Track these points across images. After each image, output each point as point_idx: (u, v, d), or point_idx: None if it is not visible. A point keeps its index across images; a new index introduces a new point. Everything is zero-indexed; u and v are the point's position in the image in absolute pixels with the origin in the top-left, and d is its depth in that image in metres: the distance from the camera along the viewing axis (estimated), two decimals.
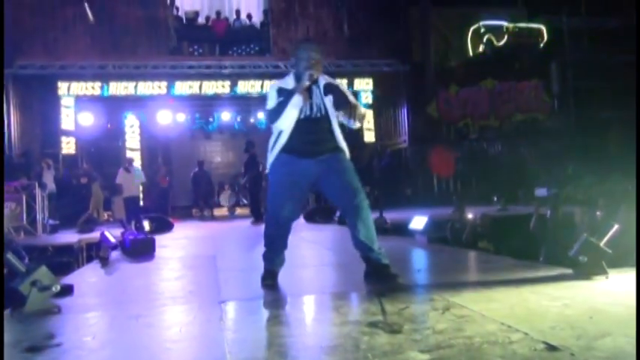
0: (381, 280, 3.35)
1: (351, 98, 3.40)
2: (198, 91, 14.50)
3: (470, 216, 8.30)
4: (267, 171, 3.62)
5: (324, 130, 3.42)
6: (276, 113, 3.34)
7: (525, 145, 15.19)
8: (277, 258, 3.58)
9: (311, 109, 3.38)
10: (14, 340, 2.49)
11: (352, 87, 15.39)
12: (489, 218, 7.92)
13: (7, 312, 3.02)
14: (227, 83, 14.44)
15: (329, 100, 3.40)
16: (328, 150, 3.41)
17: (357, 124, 3.42)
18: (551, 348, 2.05)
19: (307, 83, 3.29)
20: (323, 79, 3.47)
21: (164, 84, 14.26)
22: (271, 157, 3.47)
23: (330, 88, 3.41)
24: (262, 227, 3.66)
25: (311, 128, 3.38)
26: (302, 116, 3.36)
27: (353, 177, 3.42)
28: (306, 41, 3.65)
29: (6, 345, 2.37)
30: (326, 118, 3.42)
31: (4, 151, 12.58)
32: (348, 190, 3.35)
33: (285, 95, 3.33)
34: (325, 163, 3.39)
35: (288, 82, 3.44)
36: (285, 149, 3.39)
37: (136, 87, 14.11)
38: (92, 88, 13.98)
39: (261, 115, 13.95)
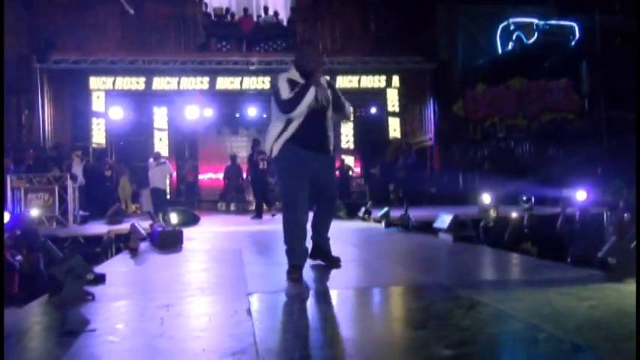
0: (325, 260, 3.93)
1: (343, 101, 3.87)
2: (224, 87, 14.71)
3: (513, 215, 7.94)
4: (271, 157, 3.77)
5: (323, 122, 3.72)
6: (293, 103, 3.55)
7: (554, 146, 14.93)
8: (299, 249, 3.66)
9: (317, 101, 3.63)
10: (52, 324, 2.60)
11: (378, 84, 15.41)
12: (536, 218, 7.51)
13: (44, 297, 3.15)
14: (253, 79, 14.58)
15: (330, 94, 3.76)
16: (323, 147, 3.72)
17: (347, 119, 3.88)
18: (577, 348, 2.04)
19: (320, 77, 3.61)
20: (323, 78, 3.82)
21: (192, 79, 14.49)
22: (277, 146, 3.66)
23: (330, 86, 3.80)
24: (277, 221, 3.77)
25: (314, 120, 3.64)
26: (311, 106, 3.61)
27: (334, 178, 4.09)
28: (310, 42, 3.94)
29: (45, 328, 2.48)
30: (327, 111, 3.74)
31: (39, 144, 12.98)
32: (329, 189, 3.83)
33: (299, 86, 3.57)
34: (319, 162, 3.69)
35: (293, 74, 3.70)
36: (292, 140, 3.62)
37: (164, 82, 14.38)
38: (122, 83, 14.31)
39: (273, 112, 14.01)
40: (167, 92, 14.67)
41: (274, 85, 3.70)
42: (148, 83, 14.38)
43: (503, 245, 6.84)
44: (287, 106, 3.57)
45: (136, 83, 14.38)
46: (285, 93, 3.59)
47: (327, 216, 3.94)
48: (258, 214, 10.83)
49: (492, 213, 8.27)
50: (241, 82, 14.70)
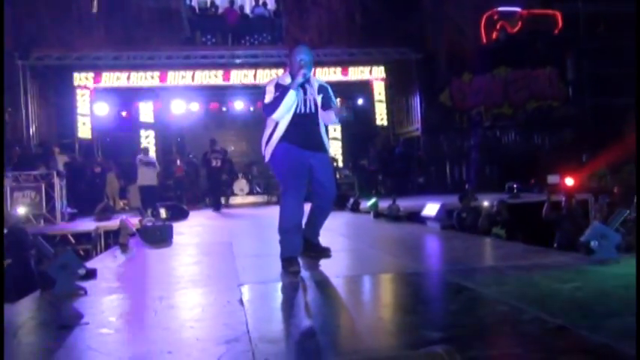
0: (315, 252, 3.88)
1: (334, 102, 3.89)
2: (211, 81, 14.63)
3: (485, 203, 8.29)
4: (266, 160, 3.82)
5: (314, 125, 3.77)
6: (272, 107, 3.64)
7: (539, 133, 15.11)
8: (296, 240, 3.63)
9: (305, 105, 3.72)
10: (47, 319, 2.62)
11: (365, 75, 15.44)
12: (505, 205, 7.90)
13: (37, 293, 3.16)
14: (240, 72, 14.52)
15: (320, 99, 3.80)
16: (318, 146, 3.77)
17: (337, 120, 3.79)
18: (561, 328, 2.11)
19: (300, 80, 3.64)
20: (316, 81, 3.89)
21: (178, 74, 14.40)
22: (270, 147, 3.72)
23: (322, 90, 3.83)
24: (272, 214, 3.75)
25: (304, 122, 3.71)
26: (297, 111, 3.69)
27: (332, 176, 4.00)
28: (299, 45, 3.91)
29: (39, 323, 2.50)
30: (316, 114, 3.78)
31: (24, 141, 12.84)
32: (327, 187, 3.79)
33: (281, 91, 3.65)
34: (316, 159, 3.72)
35: (285, 80, 3.77)
36: (284, 140, 3.68)
37: (149, 77, 14.29)
38: (107, 78, 14.18)
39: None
40: (152, 87, 14.56)
41: (263, 90, 3.81)
42: (133, 78, 14.26)
43: (477, 231, 7.27)
44: (266, 110, 3.68)
45: (121, 79, 14.25)
46: (269, 97, 3.69)
47: (324, 214, 3.89)
48: (216, 208, 11.54)
49: (466, 202, 8.48)
50: (227, 76, 14.63)
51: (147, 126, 15.25)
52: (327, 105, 3.79)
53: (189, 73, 14.43)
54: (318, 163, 3.73)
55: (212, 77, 14.61)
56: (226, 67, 14.46)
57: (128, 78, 14.23)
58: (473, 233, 6.66)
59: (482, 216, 7.94)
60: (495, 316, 2.37)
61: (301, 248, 3.70)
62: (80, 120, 14.23)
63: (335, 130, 15.78)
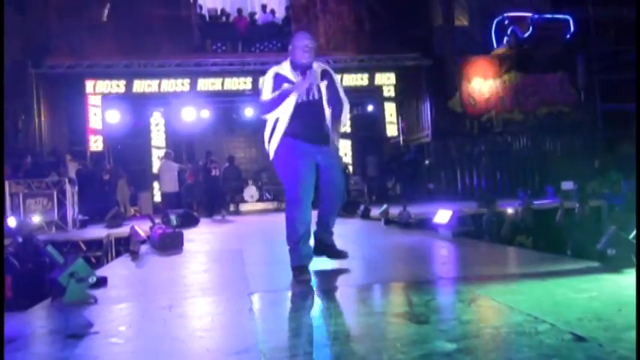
0: (330, 254, 3.79)
1: (343, 97, 3.63)
2: (221, 88, 14.71)
3: (510, 210, 8.12)
4: (270, 158, 3.60)
5: (319, 114, 3.52)
6: (269, 107, 3.44)
7: (551, 139, 14.97)
8: (305, 249, 3.53)
9: (307, 93, 3.47)
10: (57, 327, 2.61)
11: (374, 82, 15.42)
12: (531, 212, 7.70)
13: (47, 301, 3.16)
14: (249, 80, 14.58)
15: (324, 85, 3.53)
16: (324, 138, 3.52)
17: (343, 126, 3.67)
18: (579, 339, 2.05)
19: (306, 85, 3.40)
20: (319, 66, 3.60)
21: (188, 81, 14.49)
22: (274, 143, 3.50)
23: (326, 76, 3.56)
24: (282, 221, 3.65)
25: (307, 112, 3.47)
26: (299, 101, 3.45)
27: (340, 173, 3.77)
28: (301, 30, 3.72)
29: (49, 332, 2.49)
30: (320, 101, 3.52)
31: (36, 149, 12.96)
32: (335, 184, 3.63)
33: (281, 91, 3.42)
34: (322, 154, 3.52)
35: (284, 68, 3.56)
36: (288, 133, 3.46)
37: (160, 85, 14.39)
38: (118, 86, 14.31)
39: None
40: (163, 94, 14.67)
41: (260, 82, 3.59)
42: (144, 86, 14.38)
43: (499, 239, 7.05)
44: (263, 108, 3.47)
45: (132, 86, 14.37)
46: (267, 93, 3.47)
47: (333, 211, 3.72)
48: (209, 214, 11.82)
49: (492, 208, 8.33)
50: (238, 83, 14.69)
51: (157, 133, 15.36)
52: (333, 98, 3.55)
53: (199, 80, 14.52)
54: (324, 159, 3.53)
55: (222, 84, 14.68)
56: (236, 74, 14.53)
57: (139, 85, 14.35)
58: (496, 240, 6.48)
59: (505, 223, 7.73)
60: (511, 326, 2.31)
61: (312, 255, 3.60)
62: (92, 130, 14.32)
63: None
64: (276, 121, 3.49)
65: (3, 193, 9.44)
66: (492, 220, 7.95)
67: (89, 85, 14.28)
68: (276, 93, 3.42)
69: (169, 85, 14.47)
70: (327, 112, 3.57)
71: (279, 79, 3.49)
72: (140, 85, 14.35)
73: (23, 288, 5.38)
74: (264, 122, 3.65)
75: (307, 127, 3.47)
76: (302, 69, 3.52)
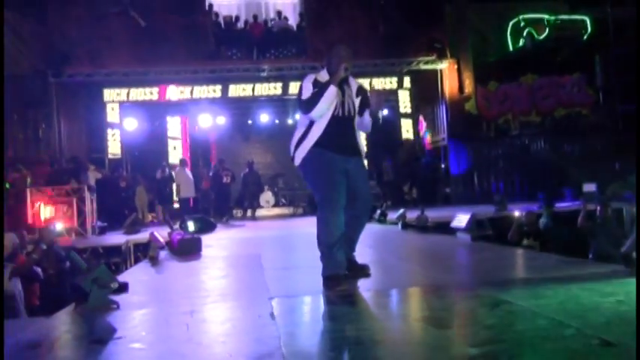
0: (352, 270, 3.60)
1: (368, 119, 3.69)
2: (236, 94, 14.82)
3: (516, 214, 8.09)
4: (295, 164, 3.56)
5: (351, 128, 3.56)
6: (311, 103, 3.41)
7: (569, 141, 14.77)
8: (340, 256, 3.40)
9: (343, 107, 3.50)
10: (80, 333, 2.64)
11: (390, 85, 15.40)
12: (534, 216, 7.69)
13: (71, 307, 3.20)
14: (265, 86, 14.67)
15: (358, 102, 3.59)
16: (354, 150, 3.56)
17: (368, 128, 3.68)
18: (607, 344, 2.01)
19: (342, 75, 3.42)
20: (355, 82, 3.65)
21: (204, 88, 14.63)
22: (302, 151, 3.48)
23: (361, 92, 3.62)
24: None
25: (342, 127, 3.49)
26: (336, 113, 3.46)
27: (368, 185, 3.76)
28: (340, 43, 3.73)
29: (73, 337, 2.51)
30: (354, 118, 3.58)
31: (56, 156, 13.18)
32: (363, 196, 3.57)
33: (320, 86, 3.44)
34: (351, 164, 3.50)
35: (323, 76, 3.56)
36: (319, 144, 3.44)
37: (177, 92, 14.55)
38: (135, 93, 14.50)
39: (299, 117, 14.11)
40: (180, 101, 14.83)
41: (300, 87, 3.58)
42: (161, 93, 14.56)
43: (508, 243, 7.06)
44: (305, 106, 3.45)
45: (149, 94, 14.57)
46: (306, 94, 3.47)
47: (360, 224, 3.63)
48: (222, 216, 12.34)
49: (501, 211, 8.29)
50: (253, 89, 14.79)
51: (175, 139, 15.52)
52: (362, 110, 3.60)
53: (216, 87, 14.66)
54: (353, 169, 3.49)
55: (238, 90, 14.80)
56: (252, 80, 14.63)
57: (156, 93, 14.54)
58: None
59: (512, 228, 7.71)
60: (535, 330, 2.28)
61: (345, 265, 3.45)
62: (110, 135, 14.55)
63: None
64: (309, 128, 3.48)
65: (3, 193, 9.58)
66: (499, 224, 7.90)
67: (107, 93, 14.50)
68: (315, 90, 3.45)
69: (186, 92, 14.63)
70: (358, 129, 3.65)
71: (316, 84, 3.50)
72: (157, 93, 14.53)
73: (49, 295, 5.46)
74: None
75: (338, 140, 3.47)
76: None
